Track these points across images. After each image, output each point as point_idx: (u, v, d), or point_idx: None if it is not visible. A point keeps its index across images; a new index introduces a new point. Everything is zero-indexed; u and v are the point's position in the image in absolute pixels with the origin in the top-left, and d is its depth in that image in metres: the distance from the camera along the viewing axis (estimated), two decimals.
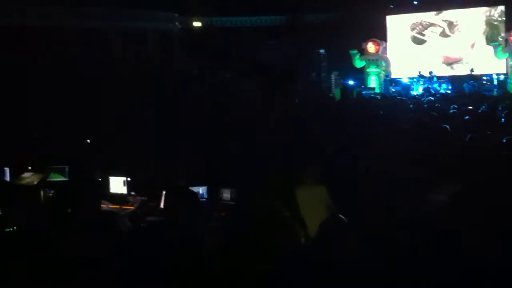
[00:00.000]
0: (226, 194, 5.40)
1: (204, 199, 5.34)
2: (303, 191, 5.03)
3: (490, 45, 20.98)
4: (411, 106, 12.52)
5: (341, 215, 3.05)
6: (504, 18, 21.21)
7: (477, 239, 2.55)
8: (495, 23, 21.43)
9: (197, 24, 23.15)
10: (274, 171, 5.54)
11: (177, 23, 22.66)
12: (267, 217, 2.87)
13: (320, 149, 6.12)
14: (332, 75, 22.01)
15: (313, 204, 4.87)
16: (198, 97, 13.54)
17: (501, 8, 21.16)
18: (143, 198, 5.83)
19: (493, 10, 21.45)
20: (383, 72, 22.29)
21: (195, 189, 4.62)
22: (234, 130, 7.99)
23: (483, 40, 21.53)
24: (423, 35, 22.58)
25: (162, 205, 4.51)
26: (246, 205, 4.30)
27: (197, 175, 5.63)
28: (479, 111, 9.14)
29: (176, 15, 22.45)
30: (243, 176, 5.54)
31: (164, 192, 4.42)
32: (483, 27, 21.60)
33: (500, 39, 20.69)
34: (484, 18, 21.59)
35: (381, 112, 10.05)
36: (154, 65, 18.49)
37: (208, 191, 5.51)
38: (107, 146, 7.26)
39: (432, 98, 13.92)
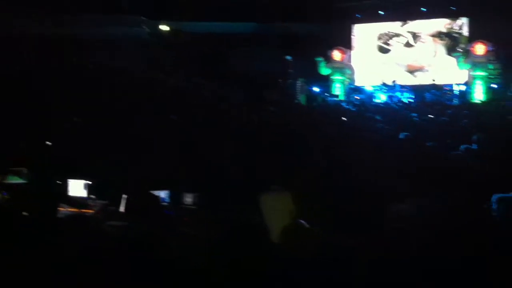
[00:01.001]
0: (189, 199, 5.34)
1: (166, 203, 5.27)
2: (268, 198, 5.02)
3: (452, 55, 21.54)
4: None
5: (302, 221, 3.06)
6: (462, 31, 21.86)
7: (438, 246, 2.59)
8: (455, 35, 22.05)
9: (165, 28, 22.96)
10: (242, 178, 5.53)
11: (145, 28, 22.43)
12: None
13: (291, 156, 6.13)
14: (298, 82, 22.17)
15: (276, 211, 4.87)
16: (165, 102, 13.42)
17: (462, 20, 21.78)
18: (103, 202, 5.71)
19: (454, 22, 22.06)
20: (347, 80, 22.60)
21: (156, 193, 4.56)
22: (202, 134, 7.94)
23: (444, 51, 22.13)
24: (389, 44, 23.04)
25: (123, 209, 4.43)
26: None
27: (160, 178, 5.55)
28: (440, 119, 9.34)
29: (145, 19, 22.23)
30: (208, 181, 5.50)
31: (125, 196, 4.34)
32: (445, 38, 22.20)
33: (461, 50, 21.26)
34: (447, 30, 22.18)
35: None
36: (121, 69, 18.25)
37: (171, 195, 5.44)
38: (68, 149, 7.10)
39: (395, 107, 14.16)
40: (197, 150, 6.71)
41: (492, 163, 5.22)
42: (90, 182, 5.84)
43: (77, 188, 5.88)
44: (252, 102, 16.61)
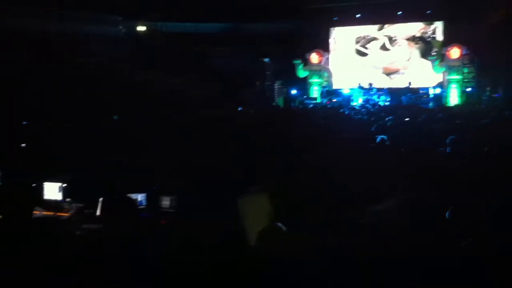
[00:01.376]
0: (166, 202, 5.30)
1: (143, 206, 5.22)
2: (245, 201, 5.00)
3: (428, 59, 21.86)
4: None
5: (279, 224, 3.07)
6: (436, 35, 22.24)
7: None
8: (429, 39, 22.41)
9: (141, 28, 22.81)
10: (219, 180, 5.50)
11: (121, 27, 22.25)
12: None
13: (269, 158, 6.13)
14: (276, 84, 22.24)
15: (253, 213, 4.85)
16: (141, 102, 13.34)
17: (436, 25, 22.12)
18: (79, 204, 5.64)
19: (427, 27, 22.43)
20: (325, 83, 22.75)
21: (133, 196, 4.52)
22: (179, 136, 7.89)
23: (419, 55, 22.46)
24: (366, 48, 23.28)
25: (99, 212, 4.39)
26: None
27: (136, 181, 5.50)
28: (416, 122, 9.46)
29: (121, 18, 22.05)
30: (186, 183, 5.47)
31: (101, 199, 4.30)
32: (421, 41, 22.53)
33: (436, 54, 21.58)
34: (423, 33, 22.50)
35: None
36: (97, 68, 18.06)
37: (147, 198, 5.39)
38: (42, 150, 7.00)
39: (372, 109, 14.28)
40: (174, 152, 6.67)
41: (467, 164, 5.30)
42: (66, 185, 5.76)
43: (52, 190, 5.80)
44: (229, 102, 16.61)
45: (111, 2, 20.54)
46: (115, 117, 11.62)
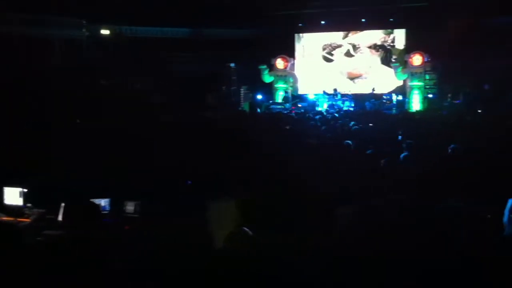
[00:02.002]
0: (130, 207, 5.23)
1: (106, 212, 5.14)
2: (212, 205, 4.98)
3: (391, 66, 22.26)
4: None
5: (245, 228, 3.07)
6: (395, 43, 22.80)
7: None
8: (389, 47, 22.92)
9: (105, 32, 22.52)
10: (186, 184, 5.46)
11: (84, 30, 21.92)
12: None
13: (236, 162, 6.12)
14: (242, 89, 22.27)
15: (222, 217, 4.84)
16: (105, 107, 13.15)
17: (403, 31, 22.61)
18: (40, 210, 5.51)
19: (387, 36, 22.97)
20: (290, 88, 22.90)
21: (96, 201, 4.45)
22: (143, 141, 7.80)
23: (385, 61, 22.91)
24: (332, 54, 23.62)
25: (60, 218, 4.30)
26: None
27: (100, 186, 5.41)
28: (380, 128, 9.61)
29: (84, 22, 21.73)
30: (151, 188, 5.41)
31: (63, 204, 4.22)
32: (379, 50, 23.03)
33: (394, 60, 22.03)
34: (380, 42, 23.01)
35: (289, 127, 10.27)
36: (60, 73, 17.72)
37: (111, 204, 5.31)
38: (2, 155, 6.82)
39: (336, 115, 14.44)
40: (139, 156, 6.59)
41: (424, 168, 5.40)
42: (27, 190, 5.63)
43: (12, 195, 5.66)
44: (194, 107, 16.56)
45: (75, 5, 20.23)
46: (78, 121, 11.44)
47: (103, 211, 4.87)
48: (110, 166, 6.02)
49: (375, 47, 23.17)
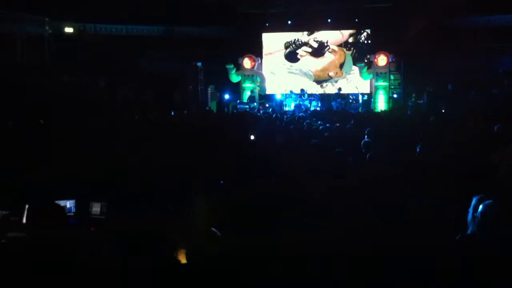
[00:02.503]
0: (96, 208, 5.13)
1: (71, 214, 5.04)
2: (181, 206, 4.93)
3: (356, 65, 22.50)
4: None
5: (214, 229, 3.05)
6: (367, 41, 22.83)
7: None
8: (361, 45, 23.01)
9: (69, 29, 22.12)
10: (153, 184, 5.40)
11: (47, 28, 21.48)
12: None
13: (204, 161, 6.08)
14: (209, 89, 22.20)
15: (188, 218, 4.79)
16: (69, 105, 12.92)
17: (367, 31, 22.77)
18: (3, 212, 5.36)
19: (360, 33, 22.99)
20: (258, 88, 22.91)
21: (61, 202, 4.35)
22: (111, 140, 7.69)
23: (351, 61, 23.00)
24: (297, 53, 23.56)
25: (25, 220, 4.19)
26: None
27: (65, 187, 5.30)
28: (347, 127, 9.71)
29: (47, 19, 21.29)
30: (117, 189, 5.33)
31: (27, 206, 4.11)
32: (350, 48, 23.07)
33: (366, 60, 22.23)
34: (351, 40, 23.06)
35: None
36: (22, 70, 17.33)
37: (76, 205, 5.20)
38: None
39: (303, 114, 14.53)
40: (105, 155, 6.49)
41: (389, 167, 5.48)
42: None
43: None
44: (159, 105, 16.44)
45: (38, 1, 19.82)
46: (41, 121, 11.20)
47: (68, 212, 4.77)
48: (74, 166, 5.91)
49: (345, 45, 23.16)
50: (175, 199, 4.51)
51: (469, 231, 3.03)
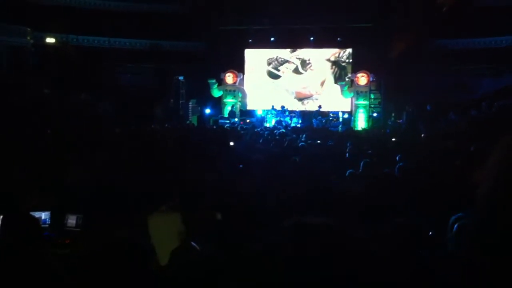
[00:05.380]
0: (72, 220, 5.05)
1: (46, 225, 4.95)
2: (156, 219, 4.87)
3: (338, 84, 22.68)
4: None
5: (193, 243, 3.01)
6: (351, 60, 23.06)
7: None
8: (343, 64, 23.25)
9: (51, 40, 21.96)
10: (128, 197, 5.33)
11: (29, 38, 21.30)
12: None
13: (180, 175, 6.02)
14: (190, 103, 22.16)
15: (165, 232, 4.73)
16: (47, 118, 12.76)
17: (349, 50, 23.02)
18: None
19: (342, 52, 23.23)
20: (239, 103, 22.95)
21: (36, 214, 4.28)
22: (87, 154, 7.59)
23: (332, 79, 23.21)
24: (278, 70, 23.72)
25: None
26: None
27: (41, 199, 5.21)
28: (328, 144, 9.74)
29: (29, 29, 21.13)
30: (93, 201, 5.25)
31: (1, 217, 4.03)
32: (332, 67, 23.30)
33: (347, 79, 22.45)
34: (333, 59, 23.29)
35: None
36: (2, 81, 17.10)
37: (51, 217, 5.11)
38: None
39: (284, 131, 14.54)
40: (81, 168, 6.40)
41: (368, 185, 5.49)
42: None
43: None
44: (139, 119, 16.34)
45: (20, 12, 19.68)
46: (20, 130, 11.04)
47: (43, 224, 4.69)
48: (51, 178, 5.83)
49: (328, 63, 23.31)
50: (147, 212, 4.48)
51: (448, 249, 3.05)
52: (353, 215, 4.10)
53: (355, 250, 2.70)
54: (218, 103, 23.06)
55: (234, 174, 6.21)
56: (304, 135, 11.84)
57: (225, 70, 22.80)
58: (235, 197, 5.01)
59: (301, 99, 23.48)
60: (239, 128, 16.71)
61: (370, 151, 8.71)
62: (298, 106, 23.09)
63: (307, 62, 23.41)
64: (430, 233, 3.49)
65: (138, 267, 2.71)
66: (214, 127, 18.57)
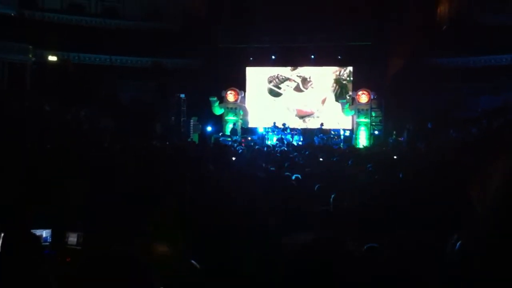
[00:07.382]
0: (72, 238, 5.03)
1: (47, 243, 4.93)
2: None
3: (339, 102, 22.73)
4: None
5: (193, 262, 3.00)
6: (352, 78, 23.15)
7: None
8: (344, 82, 23.33)
9: (52, 58, 22.10)
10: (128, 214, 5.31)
11: (30, 56, 21.46)
12: None
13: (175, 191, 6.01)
14: (191, 120, 22.21)
15: (153, 242, 4.71)
16: (48, 134, 12.81)
17: (350, 68, 23.12)
18: None
19: (342, 70, 23.33)
20: (241, 121, 22.99)
21: (37, 232, 4.27)
22: (85, 170, 7.59)
23: (333, 97, 23.27)
24: (279, 88, 23.81)
25: None
26: None
27: (41, 216, 5.20)
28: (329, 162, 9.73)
29: (31, 47, 21.29)
30: (93, 218, 5.24)
31: (2, 234, 4.02)
32: (333, 85, 23.38)
33: (348, 97, 22.51)
34: (334, 77, 23.38)
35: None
36: (3, 98, 17.19)
37: (52, 235, 5.10)
38: None
39: (286, 148, 14.56)
40: (82, 185, 6.40)
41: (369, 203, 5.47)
42: None
43: None
44: (141, 135, 16.38)
45: (21, 29, 19.85)
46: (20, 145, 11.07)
47: (44, 242, 4.67)
48: (52, 194, 5.82)
49: (330, 81, 23.37)
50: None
51: (448, 269, 3.03)
52: (352, 229, 4.09)
53: (351, 265, 2.70)
54: (219, 121, 23.10)
55: (234, 192, 6.20)
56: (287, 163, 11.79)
57: (226, 88, 22.88)
58: (234, 215, 5.01)
59: (302, 116, 23.52)
60: (235, 145, 16.73)
61: (370, 168, 8.70)
62: (299, 124, 23.13)
63: (308, 80, 23.50)
64: (431, 245, 3.47)
65: (138, 281, 2.70)
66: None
